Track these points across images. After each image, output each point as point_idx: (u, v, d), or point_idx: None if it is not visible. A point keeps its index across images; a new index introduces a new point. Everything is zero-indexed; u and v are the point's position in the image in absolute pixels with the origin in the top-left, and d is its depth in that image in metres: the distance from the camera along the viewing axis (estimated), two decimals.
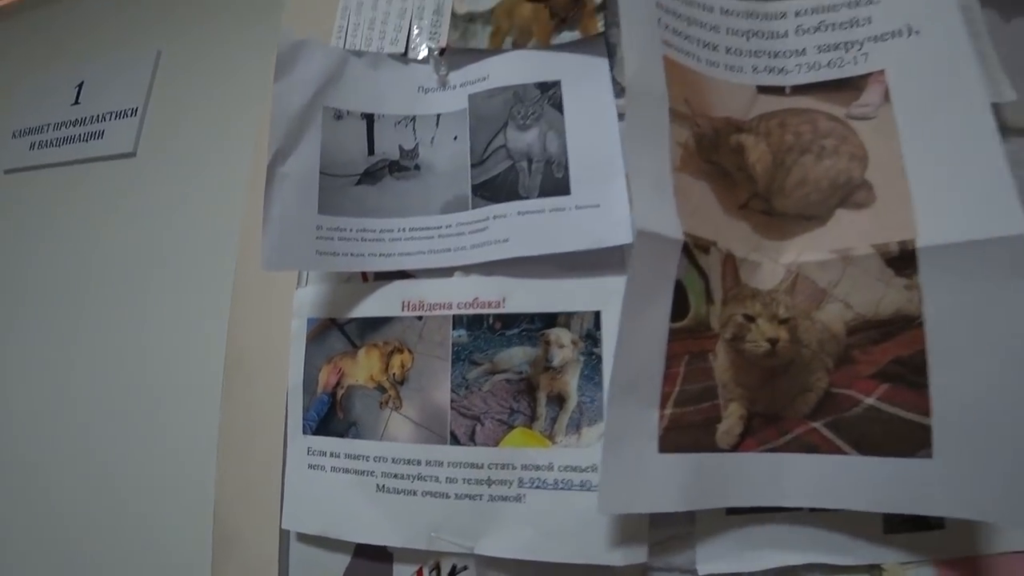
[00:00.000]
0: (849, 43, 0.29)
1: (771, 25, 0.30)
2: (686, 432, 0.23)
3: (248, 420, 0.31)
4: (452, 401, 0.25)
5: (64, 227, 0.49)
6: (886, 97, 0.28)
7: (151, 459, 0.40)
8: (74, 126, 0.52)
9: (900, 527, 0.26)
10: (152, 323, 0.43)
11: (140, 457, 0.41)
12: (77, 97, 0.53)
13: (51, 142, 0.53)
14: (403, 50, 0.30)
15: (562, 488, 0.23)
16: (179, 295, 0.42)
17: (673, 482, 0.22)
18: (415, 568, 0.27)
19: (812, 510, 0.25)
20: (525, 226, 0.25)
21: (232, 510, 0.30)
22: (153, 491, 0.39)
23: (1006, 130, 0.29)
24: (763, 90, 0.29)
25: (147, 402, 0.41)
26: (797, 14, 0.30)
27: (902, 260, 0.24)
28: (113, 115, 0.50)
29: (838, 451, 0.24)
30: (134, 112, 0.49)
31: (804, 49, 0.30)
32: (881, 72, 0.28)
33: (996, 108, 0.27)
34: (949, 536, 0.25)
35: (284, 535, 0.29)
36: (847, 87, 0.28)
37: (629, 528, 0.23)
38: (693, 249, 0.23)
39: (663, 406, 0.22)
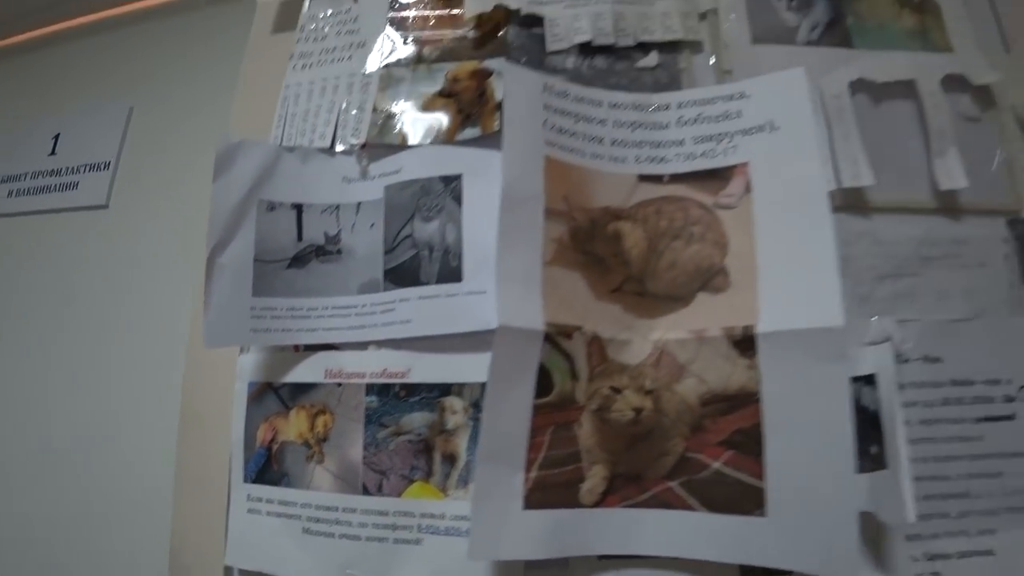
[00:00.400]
0: (721, 135, 0.33)
1: (655, 117, 0.34)
2: (550, 491, 0.28)
3: (200, 467, 0.36)
4: (364, 457, 0.30)
5: (38, 273, 0.54)
6: (748, 188, 0.32)
7: (115, 501, 0.45)
8: (50, 176, 0.57)
9: (755, 573, 0.31)
10: (116, 371, 0.48)
11: (105, 498, 0.46)
12: (54, 148, 0.58)
13: (28, 190, 0.58)
14: (330, 143, 0.35)
15: (452, 534, 0.29)
16: (143, 345, 0.48)
17: (536, 534, 0.27)
18: None
19: (673, 559, 0.30)
20: (425, 309, 0.30)
21: (185, 548, 0.36)
22: (119, 529, 0.44)
23: (867, 209, 0.34)
24: (644, 179, 0.33)
25: (113, 446, 0.46)
26: (680, 105, 0.34)
27: (745, 343, 0.29)
28: (87, 167, 0.55)
29: (690, 508, 0.28)
30: (107, 166, 0.55)
31: (683, 140, 0.34)
32: (745, 164, 0.33)
33: (857, 189, 0.31)
34: None
35: (228, 571, 0.34)
36: (717, 177, 0.33)
37: (506, 571, 0.28)
38: (556, 336, 0.28)
39: (528, 470, 0.27)
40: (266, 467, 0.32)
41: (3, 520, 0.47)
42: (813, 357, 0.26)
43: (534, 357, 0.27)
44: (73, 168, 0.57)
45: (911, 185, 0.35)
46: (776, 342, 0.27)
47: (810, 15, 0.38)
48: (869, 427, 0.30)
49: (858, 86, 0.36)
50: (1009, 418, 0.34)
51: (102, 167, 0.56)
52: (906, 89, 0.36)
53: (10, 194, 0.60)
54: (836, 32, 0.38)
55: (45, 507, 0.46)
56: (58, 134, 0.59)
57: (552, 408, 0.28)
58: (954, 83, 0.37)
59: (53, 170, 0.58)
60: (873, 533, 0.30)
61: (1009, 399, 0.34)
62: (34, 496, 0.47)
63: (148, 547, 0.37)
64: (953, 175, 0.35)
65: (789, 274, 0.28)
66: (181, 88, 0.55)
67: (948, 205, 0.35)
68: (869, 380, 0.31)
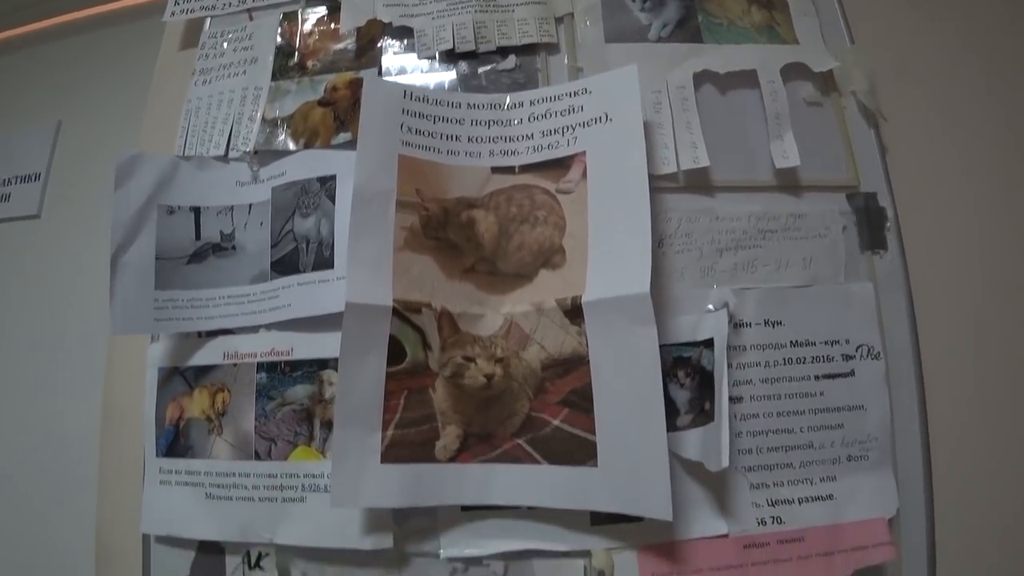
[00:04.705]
0: (565, 127, 0.41)
1: (509, 114, 0.42)
2: (406, 448, 0.35)
3: (119, 450, 0.43)
4: (256, 427, 0.38)
5: None
6: (584, 175, 0.39)
7: (44, 488, 0.54)
8: None
9: (605, 520, 0.37)
10: (47, 372, 0.56)
11: (34, 486, 0.54)
12: None
13: None
14: (224, 152, 0.43)
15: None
16: (72, 345, 0.56)
17: (394, 485, 0.34)
18: (240, 557, 0.40)
19: (531, 508, 0.37)
20: (302, 294, 0.38)
21: (108, 525, 0.43)
22: (46, 514, 0.53)
23: (709, 188, 0.40)
24: (496, 170, 0.41)
25: (46, 438, 0.55)
26: (531, 103, 0.42)
27: (575, 311, 0.36)
28: (18, 179, 0.63)
29: (535, 461, 0.35)
30: (37, 177, 0.63)
31: (532, 134, 0.42)
32: (583, 153, 0.40)
33: (700, 171, 0.38)
34: (648, 526, 0.36)
35: (146, 541, 0.42)
36: (559, 166, 0.40)
37: (375, 522, 0.35)
38: (405, 312, 0.35)
39: (384, 429, 0.35)
40: (174, 442, 0.40)
41: None
42: (627, 321, 0.33)
43: (384, 330, 0.34)
44: (4, 180, 0.65)
45: (751, 166, 0.42)
46: (598, 309, 0.34)
47: (662, 14, 0.46)
48: (706, 387, 0.38)
49: (705, 77, 0.43)
50: (849, 375, 0.41)
51: (33, 178, 0.64)
52: (749, 79, 0.43)
53: None
54: (687, 29, 0.45)
55: None
56: None
57: (405, 375, 0.35)
58: (798, 72, 0.44)
59: None
60: (720, 484, 0.37)
61: (848, 357, 0.41)
62: None
63: (76, 526, 0.45)
64: (788, 155, 0.42)
65: (610, 249, 0.35)
66: (107, 101, 0.63)
67: (788, 183, 0.43)
68: (708, 344, 0.39)
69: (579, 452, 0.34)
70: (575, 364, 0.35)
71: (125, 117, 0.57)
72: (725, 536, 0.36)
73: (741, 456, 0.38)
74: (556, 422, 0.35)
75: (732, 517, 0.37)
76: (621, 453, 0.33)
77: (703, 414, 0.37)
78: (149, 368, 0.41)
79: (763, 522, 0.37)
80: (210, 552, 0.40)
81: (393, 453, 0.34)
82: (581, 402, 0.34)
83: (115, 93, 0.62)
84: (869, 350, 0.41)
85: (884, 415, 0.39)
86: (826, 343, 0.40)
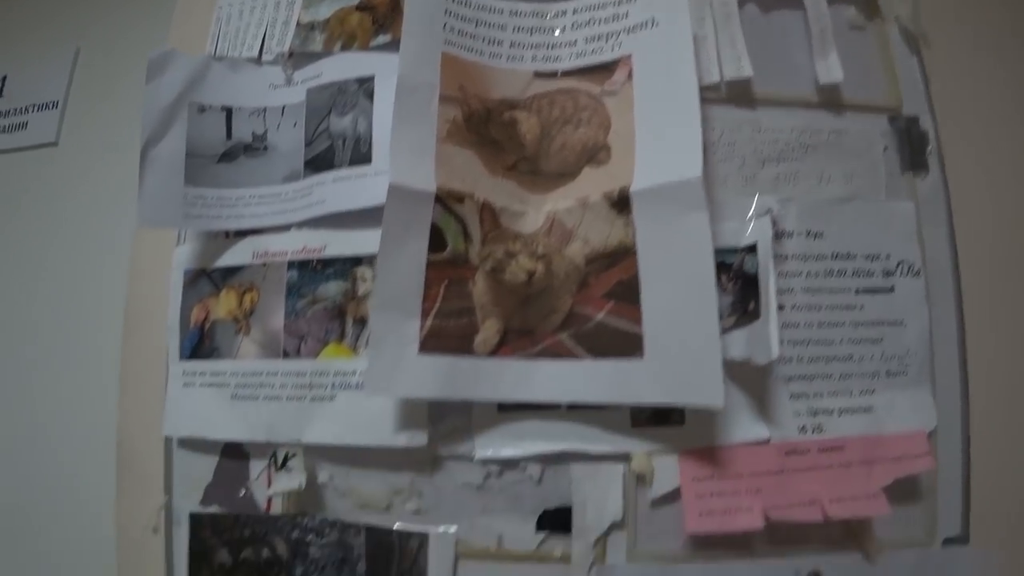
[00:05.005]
0: (609, 34, 0.41)
1: (552, 23, 0.41)
2: (445, 339, 0.34)
3: (141, 356, 0.43)
4: (285, 326, 0.37)
5: None
6: (629, 76, 0.39)
7: (63, 396, 0.54)
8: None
9: (645, 423, 0.37)
10: (68, 292, 0.55)
11: (53, 396, 0.54)
12: (1, 91, 0.65)
13: None
14: (257, 55, 0.42)
15: (362, 388, 0.35)
16: (91, 269, 0.55)
17: (431, 376, 0.33)
18: (265, 462, 0.39)
19: (569, 409, 0.36)
20: (338, 189, 0.37)
21: (129, 432, 0.43)
22: (64, 423, 0.53)
23: (751, 101, 0.40)
24: (539, 75, 0.41)
25: (67, 356, 0.54)
26: (575, 12, 0.41)
27: (621, 203, 0.36)
28: (36, 107, 0.62)
29: (577, 356, 0.35)
30: (55, 105, 0.62)
31: (575, 41, 0.41)
32: (629, 56, 0.40)
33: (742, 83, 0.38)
34: (688, 430, 0.36)
35: (168, 447, 0.41)
36: (603, 70, 0.40)
37: (410, 418, 0.35)
38: (447, 199, 0.35)
39: (423, 318, 0.34)
40: (199, 345, 0.39)
41: None
42: (678, 207, 0.33)
43: (426, 216, 0.34)
44: (21, 109, 0.64)
45: (793, 81, 0.42)
46: (647, 198, 0.34)
47: None
48: (749, 289, 0.37)
49: None
50: (889, 291, 0.41)
51: (51, 106, 0.63)
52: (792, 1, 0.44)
53: None
54: None
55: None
56: (5, 76, 0.65)
57: (446, 264, 0.34)
58: None
59: (2, 112, 0.65)
60: (761, 392, 0.37)
61: (888, 273, 0.41)
62: None
63: (97, 433, 0.44)
64: (831, 71, 0.42)
65: (660, 140, 0.35)
66: (126, 27, 0.61)
67: (830, 100, 0.42)
68: (751, 250, 0.38)
69: (625, 344, 0.33)
70: (621, 256, 0.34)
71: (145, 43, 0.56)
72: (766, 442, 0.36)
73: (781, 366, 0.37)
74: (600, 316, 0.34)
75: (773, 423, 0.36)
76: (670, 343, 0.32)
77: (746, 315, 0.36)
78: (175, 270, 0.40)
79: (803, 430, 0.37)
80: (234, 457, 0.39)
81: (432, 343, 0.33)
82: (627, 294, 0.33)
83: (135, 19, 0.61)
84: (909, 267, 0.40)
85: (923, 332, 0.39)
86: (866, 258, 0.40)
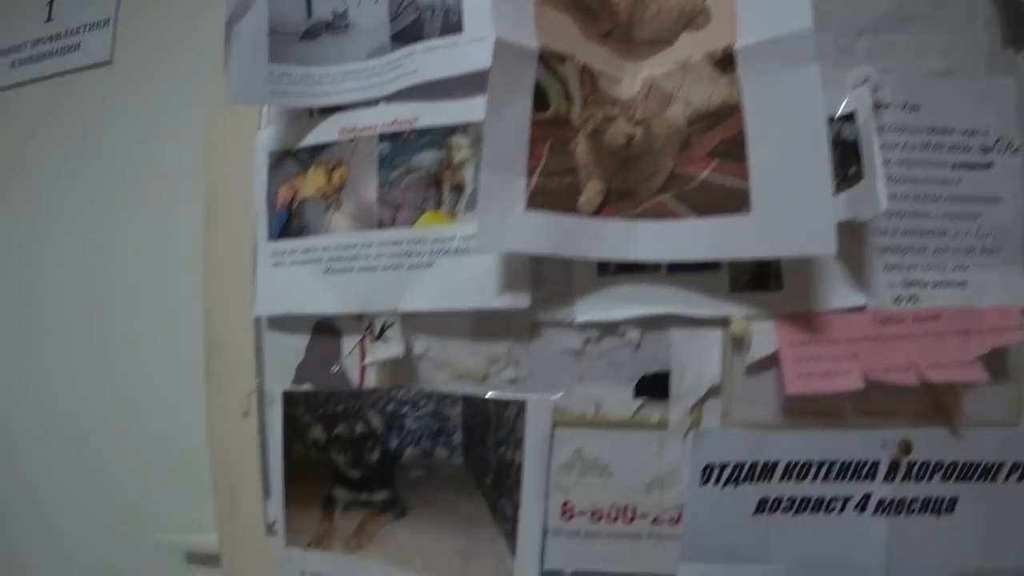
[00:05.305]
0: None
1: None
2: (550, 197, 0.34)
3: (225, 245, 0.43)
4: (378, 197, 0.37)
5: (50, 138, 0.61)
6: None
7: (148, 294, 0.55)
8: (50, 41, 0.63)
9: (744, 287, 0.37)
10: (136, 201, 0.56)
11: (137, 293, 0.56)
12: (49, 14, 0.64)
13: (30, 59, 0.65)
14: None
15: (461, 253, 0.35)
16: (160, 179, 0.55)
17: (538, 232, 0.33)
18: (358, 338, 0.40)
19: (669, 272, 0.36)
20: (429, 58, 0.37)
21: (217, 319, 0.43)
22: (150, 312, 0.55)
23: None
24: None
25: (151, 262, 0.55)
26: None
27: (725, 61, 0.35)
28: (86, 27, 0.61)
29: (680, 216, 0.35)
30: (107, 23, 0.61)
31: None
32: None
33: None
34: (786, 295, 0.36)
35: (258, 330, 0.42)
36: None
37: (513, 280, 0.35)
38: (549, 59, 0.34)
39: (529, 175, 0.34)
40: (287, 224, 0.39)
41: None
42: (787, 60, 0.32)
43: (530, 74, 0.33)
44: (72, 30, 0.63)
45: None
46: (753, 53, 0.33)
47: None
48: (848, 155, 0.37)
49: None
50: (986, 166, 0.40)
51: (102, 24, 0.63)
52: None
53: (12, 65, 0.67)
54: None
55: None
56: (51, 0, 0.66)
57: (549, 124, 0.34)
58: None
59: (52, 35, 0.64)
60: (856, 262, 0.36)
61: (986, 149, 0.40)
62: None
63: (182, 318, 0.46)
64: None
65: None
66: None
67: None
68: (848, 119, 0.38)
69: (730, 200, 0.33)
70: (725, 114, 0.33)
71: None
72: (862, 309, 0.36)
73: (877, 237, 0.37)
74: (704, 174, 0.34)
75: (869, 291, 0.36)
76: (779, 195, 0.32)
77: (847, 179, 0.36)
78: (259, 153, 0.40)
79: (898, 300, 0.37)
80: (325, 334, 0.39)
81: (538, 200, 0.33)
82: (732, 151, 0.33)
83: None
84: (1008, 144, 0.39)
85: (1020, 210, 0.38)
86: (964, 133, 0.39)
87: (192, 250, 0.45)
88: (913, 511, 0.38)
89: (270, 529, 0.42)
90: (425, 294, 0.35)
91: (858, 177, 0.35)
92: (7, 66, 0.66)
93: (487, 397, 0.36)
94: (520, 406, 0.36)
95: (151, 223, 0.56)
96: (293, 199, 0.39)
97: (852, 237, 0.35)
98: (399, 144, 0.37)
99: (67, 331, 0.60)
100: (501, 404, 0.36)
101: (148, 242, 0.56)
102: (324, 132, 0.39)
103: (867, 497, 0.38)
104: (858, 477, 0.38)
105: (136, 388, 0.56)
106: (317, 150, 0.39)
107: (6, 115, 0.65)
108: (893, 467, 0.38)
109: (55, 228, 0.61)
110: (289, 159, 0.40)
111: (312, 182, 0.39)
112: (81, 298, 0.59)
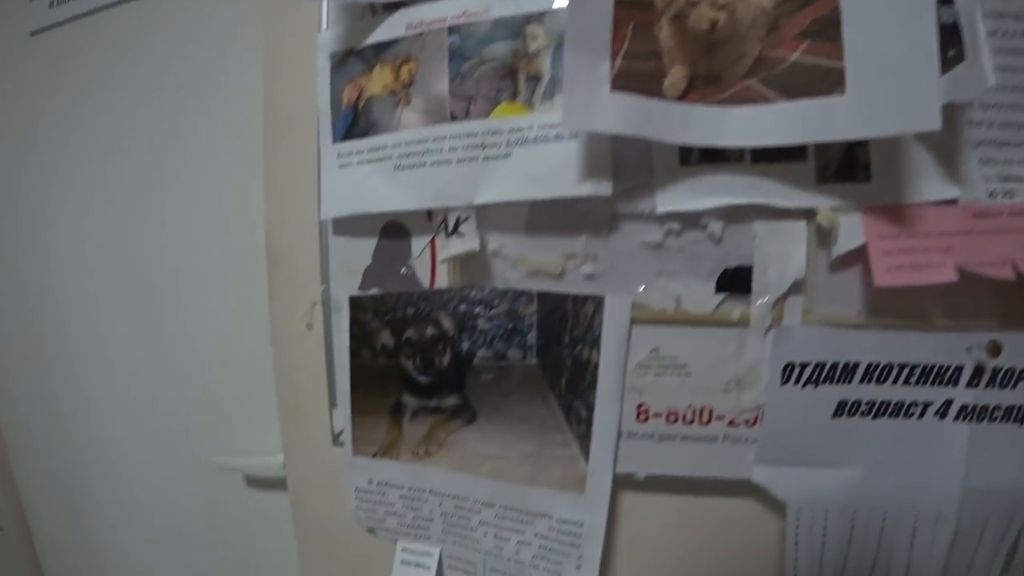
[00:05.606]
0: None
1: None
2: (635, 79, 0.33)
3: (286, 153, 0.42)
4: (450, 89, 0.36)
5: (97, 77, 0.61)
6: None
7: (207, 217, 0.55)
8: None
9: (831, 178, 0.36)
10: (199, 121, 0.56)
11: (197, 216, 0.56)
12: None
13: None
14: None
15: (540, 142, 0.34)
16: (215, 87, 0.55)
17: (623, 112, 0.32)
18: (428, 238, 0.39)
19: (753, 162, 0.34)
20: None
21: (279, 229, 0.42)
22: (212, 236, 0.55)
23: None
24: None
25: (208, 174, 0.55)
26: None
27: None
28: None
29: (769, 100, 0.33)
30: None
31: None
32: None
33: None
34: (875, 187, 0.34)
35: (323, 236, 0.41)
36: None
37: (594, 167, 0.34)
38: None
39: (613, 58, 0.33)
40: (353, 124, 0.38)
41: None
42: None
43: None
44: None
45: None
46: None
47: None
48: (948, 38, 0.34)
49: None
50: None
51: None
52: None
53: (51, 5, 0.65)
54: None
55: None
56: None
57: (632, 6, 0.33)
58: None
59: None
60: (949, 155, 0.34)
61: None
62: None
63: (243, 250, 0.46)
64: None
65: None
66: None
67: None
68: (946, 2, 0.36)
69: (823, 82, 0.31)
70: None
71: None
72: (954, 202, 0.35)
73: (971, 129, 0.35)
74: (794, 56, 0.32)
75: (962, 185, 0.34)
76: (877, 72, 0.30)
77: (946, 62, 0.34)
78: (320, 54, 0.39)
79: (993, 194, 0.35)
80: (393, 235, 0.39)
81: (622, 82, 0.32)
82: (825, 30, 0.31)
83: None
84: None
85: None
86: None
87: (251, 169, 0.44)
88: (996, 419, 0.37)
89: (336, 440, 0.42)
90: (502, 185, 0.34)
91: (958, 59, 0.33)
92: (45, 6, 0.66)
93: (565, 294, 0.35)
94: (598, 302, 0.35)
95: (209, 143, 0.55)
96: (359, 98, 0.38)
97: (946, 128, 0.32)
98: (470, 36, 0.36)
99: (130, 258, 0.60)
100: (579, 300, 0.35)
101: (206, 165, 0.56)
102: (389, 29, 0.37)
103: (948, 403, 0.37)
104: (940, 382, 0.37)
105: (196, 315, 0.56)
106: (382, 47, 0.38)
107: (49, 58, 0.66)
108: (977, 372, 0.36)
109: (114, 153, 0.61)
110: (353, 58, 0.39)
111: (379, 80, 0.38)
112: (141, 221, 0.60)
